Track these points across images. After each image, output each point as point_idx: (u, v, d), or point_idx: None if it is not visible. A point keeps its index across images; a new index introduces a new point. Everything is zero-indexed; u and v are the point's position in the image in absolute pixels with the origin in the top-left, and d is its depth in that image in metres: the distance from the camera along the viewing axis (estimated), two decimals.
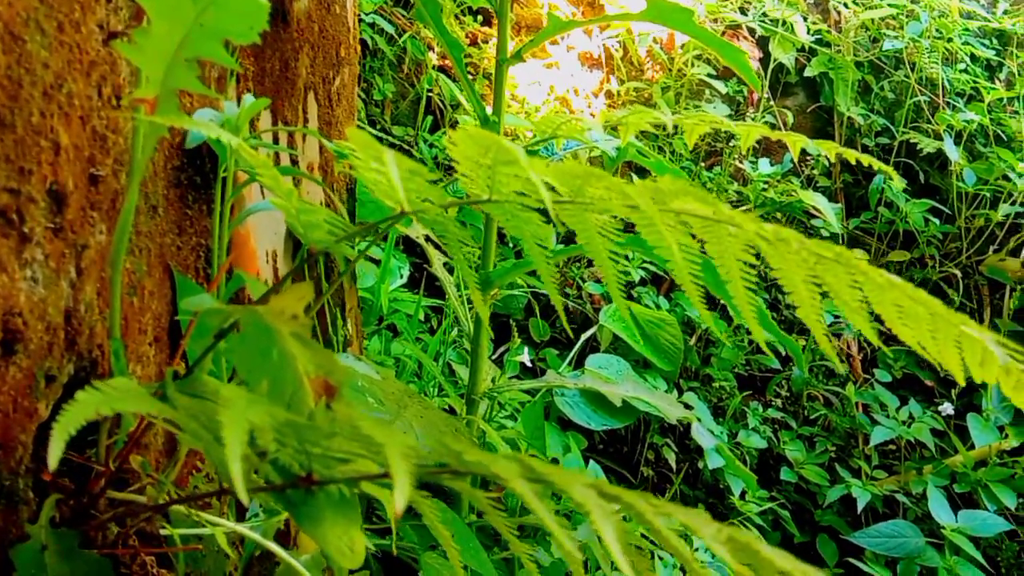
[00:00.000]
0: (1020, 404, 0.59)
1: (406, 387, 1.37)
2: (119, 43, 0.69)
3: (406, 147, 2.40)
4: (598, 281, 2.66)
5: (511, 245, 2.54)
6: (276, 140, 1.29)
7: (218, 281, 0.82)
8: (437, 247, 1.71)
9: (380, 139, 2.49)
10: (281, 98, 1.30)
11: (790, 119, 2.95)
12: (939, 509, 2.45)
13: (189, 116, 0.82)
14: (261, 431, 0.56)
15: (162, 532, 0.81)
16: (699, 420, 2.41)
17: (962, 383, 0.60)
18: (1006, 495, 2.53)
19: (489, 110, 1.47)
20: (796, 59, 2.91)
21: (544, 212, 0.66)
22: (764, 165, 2.74)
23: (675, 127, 2.81)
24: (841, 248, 0.54)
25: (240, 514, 0.97)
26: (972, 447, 2.58)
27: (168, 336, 0.90)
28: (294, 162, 1.38)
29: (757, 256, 0.67)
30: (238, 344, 0.60)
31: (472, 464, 0.47)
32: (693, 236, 0.67)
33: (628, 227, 0.73)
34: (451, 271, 1.76)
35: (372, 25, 2.44)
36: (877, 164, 0.82)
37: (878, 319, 0.65)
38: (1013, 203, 2.74)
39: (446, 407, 1.96)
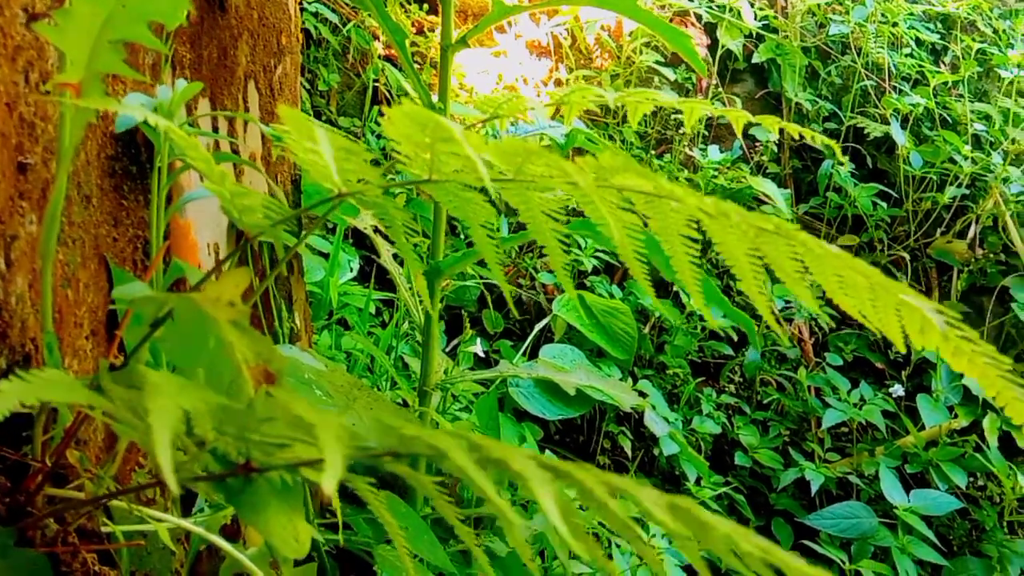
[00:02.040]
0: (959, 369, 0.59)
1: (355, 379, 1.35)
2: (41, 25, 0.66)
3: (353, 138, 2.37)
4: (551, 271, 2.66)
5: (463, 237, 2.53)
6: (215, 128, 1.27)
7: (153, 270, 0.79)
8: (386, 238, 1.69)
9: None
10: (220, 87, 1.27)
11: (739, 106, 2.97)
12: (891, 489, 2.49)
13: (119, 101, 0.80)
14: (198, 418, 0.54)
15: (105, 529, 0.79)
16: (653, 408, 2.42)
17: (902, 349, 0.60)
18: (956, 474, 2.57)
19: (436, 98, 1.46)
20: (744, 46, 2.92)
21: (488, 192, 0.65)
22: (714, 152, 2.76)
23: (625, 116, 2.81)
24: (780, 220, 0.53)
25: (187, 509, 0.95)
26: (923, 428, 2.62)
27: (106, 329, 0.88)
28: (235, 151, 1.35)
29: (702, 233, 0.67)
30: (173, 333, 0.58)
31: (411, 440, 0.46)
32: (636, 214, 0.66)
33: (579, 213, 0.73)
34: (401, 263, 1.74)
35: (316, 14, 2.41)
36: (820, 139, 0.82)
37: (830, 303, 0.65)
38: (959, 186, 2.79)
39: (399, 400, 1.95)
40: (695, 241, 0.67)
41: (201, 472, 0.58)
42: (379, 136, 2.44)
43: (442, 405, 1.78)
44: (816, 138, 0.81)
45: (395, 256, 1.71)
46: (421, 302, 1.63)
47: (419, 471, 0.66)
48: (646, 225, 0.64)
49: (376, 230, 1.72)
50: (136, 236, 0.96)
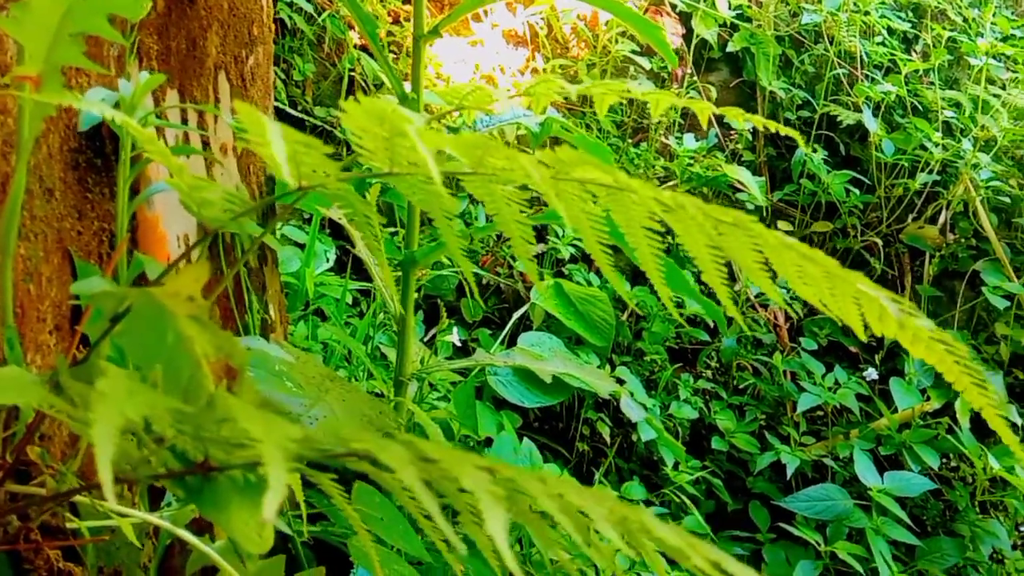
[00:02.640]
0: (918, 356, 0.60)
1: (328, 370, 1.35)
2: None
3: (329, 127, 2.36)
4: (530, 260, 2.66)
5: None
6: (185, 120, 1.26)
7: (114, 263, 0.79)
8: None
9: (302, 121, 2.44)
10: (189, 78, 1.26)
11: (714, 94, 2.98)
12: (865, 471, 2.51)
13: (80, 95, 0.79)
14: (157, 418, 0.54)
15: (70, 526, 0.79)
16: (631, 394, 2.43)
17: (863, 337, 0.60)
18: (929, 455, 2.60)
19: (409, 87, 1.45)
20: (719, 35, 2.93)
21: (455, 183, 0.65)
22: (689, 140, 2.76)
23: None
24: (738, 212, 0.54)
25: (156, 504, 0.95)
26: (896, 411, 2.65)
27: (70, 324, 0.87)
28: (206, 144, 1.35)
29: (665, 226, 0.67)
30: (130, 327, 0.58)
31: (360, 451, 0.46)
32: (599, 206, 0.67)
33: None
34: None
35: (290, 4, 2.39)
36: (783, 128, 0.82)
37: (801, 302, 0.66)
38: (930, 172, 2.81)
39: (377, 391, 1.94)
40: (658, 233, 0.67)
41: (161, 470, 0.58)
42: None
43: (419, 395, 1.79)
44: (781, 129, 0.82)
45: (369, 247, 1.71)
46: (398, 290, 1.63)
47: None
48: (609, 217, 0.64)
49: (351, 220, 1.72)
50: (101, 229, 0.95)
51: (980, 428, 2.72)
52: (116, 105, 0.82)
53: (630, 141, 2.85)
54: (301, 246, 2.19)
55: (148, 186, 1.02)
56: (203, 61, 1.32)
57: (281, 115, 2.31)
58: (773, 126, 0.82)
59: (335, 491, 0.61)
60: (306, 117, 2.37)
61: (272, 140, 0.46)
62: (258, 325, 1.21)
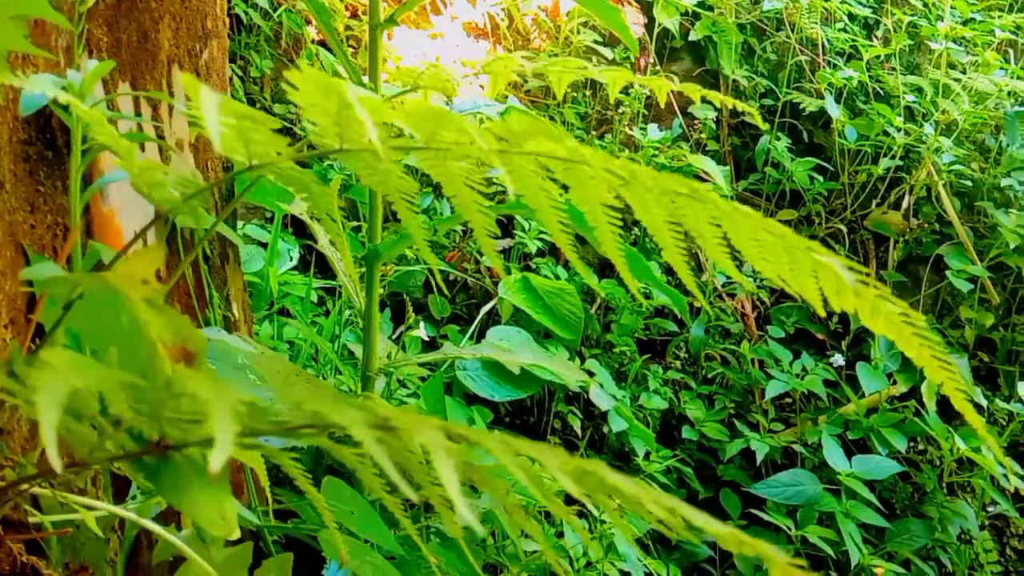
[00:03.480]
0: (876, 329, 0.60)
1: (294, 366, 1.34)
2: None
3: (288, 124, 2.34)
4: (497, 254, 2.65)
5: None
6: (138, 113, 1.24)
7: (66, 252, 0.78)
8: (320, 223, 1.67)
9: None
10: (141, 71, 1.25)
11: (676, 84, 2.98)
12: (834, 456, 2.54)
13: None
14: (110, 396, 0.53)
15: (34, 520, 0.77)
16: (601, 385, 2.44)
17: (821, 313, 0.61)
18: (897, 439, 2.63)
19: (367, 79, 1.44)
20: (680, 24, 2.94)
21: (419, 174, 0.64)
22: (653, 131, 2.77)
23: (566, 96, 2.82)
24: (695, 182, 0.54)
25: (121, 496, 0.94)
26: (863, 395, 2.67)
27: (25, 318, 0.86)
28: (161, 138, 1.33)
29: (625, 203, 0.67)
30: (84, 312, 0.57)
31: (311, 413, 0.45)
32: (556, 182, 0.66)
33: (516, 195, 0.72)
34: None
35: (246, 0, 2.37)
36: (740, 105, 0.83)
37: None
38: (893, 157, 2.84)
39: (346, 388, 1.93)
40: (617, 210, 0.67)
41: (119, 452, 0.57)
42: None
43: (387, 391, 1.78)
44: (738, 105, 0.82)
45: (332, 243, 1.69)
46: (362, 286, 1.62)
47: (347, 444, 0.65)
48: (566, 190, 0.64)
49: (312, 216, 1.71)
50: (55, 223, 0.94)
51: (947, 411, 2.75)
52: (64, 91, 0.80)
53: (594, 133, 2.85)
54: (264, 245, 2.17)
55: (101, 178, 1.00)
56: (155, 54, 1.30)
57: None
58: (730, 102, 0.82)
59: (297, 472, 0.61)
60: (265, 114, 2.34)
61: (204, 109, 0.45)
62: (220, 322, 1.19)
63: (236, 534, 0.77)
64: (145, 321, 0.59)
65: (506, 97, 2.45)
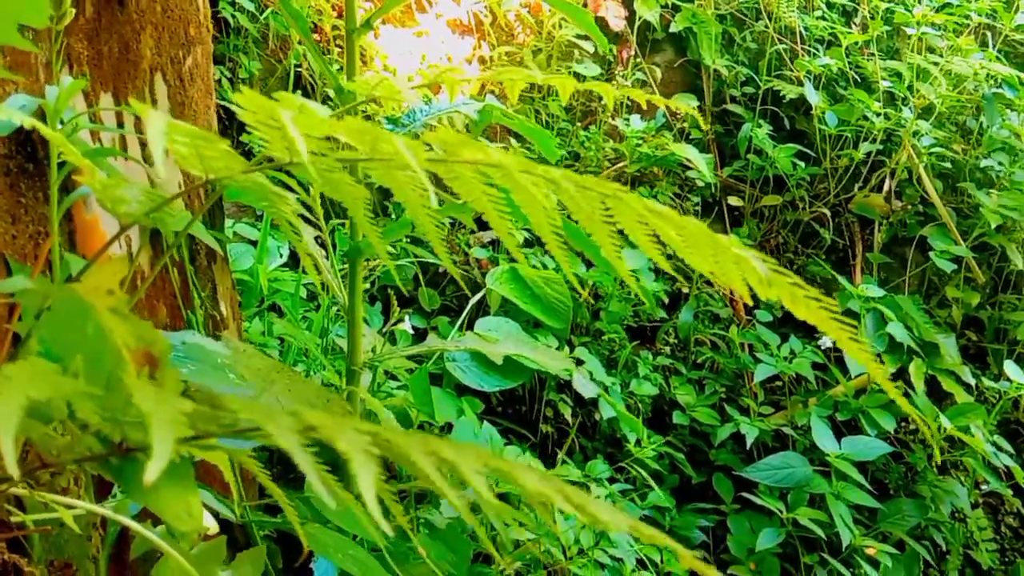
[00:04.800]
0: (799, 315, 0.64)
1: (275, 363, 1.37)
2: None
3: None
4: (484, 246, 2.70)
5: (393, 216, 2.55)
6: (120, 124, 1.28)
7: (41, 263, 0.82)
8: (308, 222, 1.71)
9: None
10: (123, 81, 1.28)
11: (659, 75, 3.02)
12: (823, 438, 2.57)
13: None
14: (78, 404, 0.57)
15: (16, 519, 0.82)
16: (590, 373, 2.48)
17: (749, 302, 0.64)
18: (886, 419, 2.66)
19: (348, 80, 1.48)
20: (661, 16, 2.97)
21: (366, 174, 0.67)
22: (636, 121, 2.81)
23: (551, 89, 2.85)
24: (617, 185, 0.57)
25: (104, 495, 0.98)
26: (851, 378, 2.71)
27: (4, 329, 0.90)
28: (144, 145, 1.37)
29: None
30: (51, 322, 0.61)
31: (244, 422, 0.49)
32: (496, 187, 0.70)
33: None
34: (324, 246, 1.77)
35: (232, 3, 2.40)
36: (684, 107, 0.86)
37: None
38: (873, 141, 2.87)
39: (332, 383, 1.97)
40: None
41: (87, 454, 0.61)
42: None
43: (374, 385, 1.82)
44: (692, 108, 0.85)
45: (317, 239, 1.73)
46: (344, 281, 1.65)
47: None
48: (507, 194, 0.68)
49: (299, 215, 1.74)
50: (37, 233, 0.98)
51: (936, 392, 2.79)
52: (40, 110, 0.84)
53: (579, 124, 2.89)
54: (254, 243, 2.21)
55: (80, 188, 1.04)
56: (137, 64, 1.34)
57: (228, 114, 2.32)
58: (683, 109, 0.85)
59: (257, 469, 0.64)
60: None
61: (149, 134, 0.49)
62: (202, 322, 1.23)
63: (208, 529, 0.81)
64: (110, 329, 0.63)
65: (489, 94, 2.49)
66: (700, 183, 2.91)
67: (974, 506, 2.89)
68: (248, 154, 2.54)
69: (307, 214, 1.63)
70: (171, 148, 0.61)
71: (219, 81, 2.47)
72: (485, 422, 2.20)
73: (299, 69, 2.53)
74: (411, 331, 2.08)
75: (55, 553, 0.87)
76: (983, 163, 2.76)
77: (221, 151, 0.59)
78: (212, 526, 0.86)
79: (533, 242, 2.73)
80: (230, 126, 2.41)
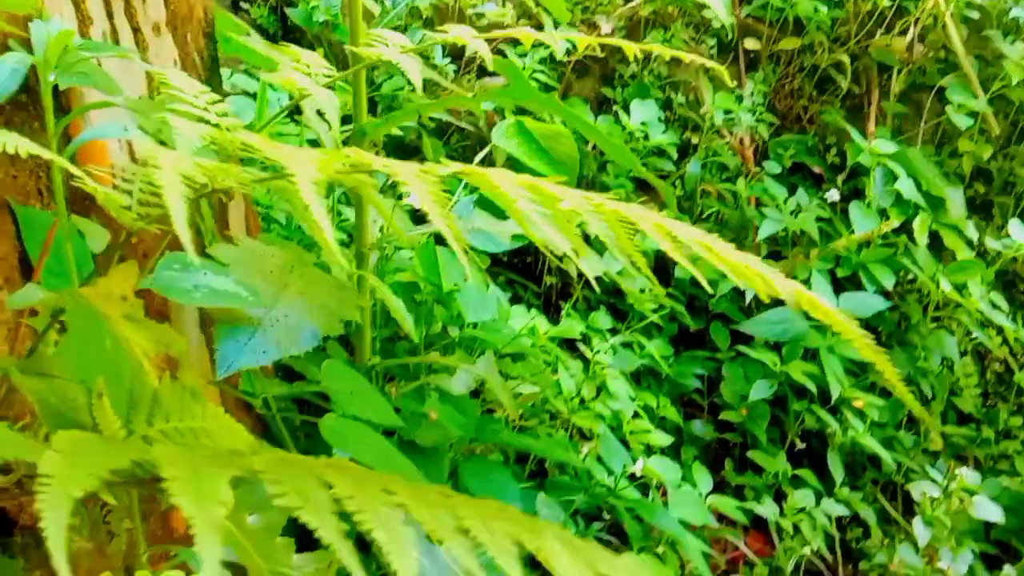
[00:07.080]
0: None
1: (290, 256, 1.36)
2: None
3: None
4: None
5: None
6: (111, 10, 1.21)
7: (41, 263, 0.79)
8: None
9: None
10: None
11: None
12: (822, 294, 2.59)
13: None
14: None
15: None
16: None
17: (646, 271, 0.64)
18: (885, 275, 2.67)
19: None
20: None
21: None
22: None
23: None
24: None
25: None
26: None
27: (20, 275, 0.88)
28: (136, 28, 1.30)
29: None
30: (68, 343, 0.60)
31: (147, 464, 0.49)
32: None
33: None
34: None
35: None
36: None
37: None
38: None
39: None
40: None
41: None
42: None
43: (381, 265, 1.81)
44: None
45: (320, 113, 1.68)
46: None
47: None
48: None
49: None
50: (36, 166, 0.94)
51: (937, 245, 2.79)
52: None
53: None
54: (253, 96, 2.13)
55: (77, 108, 1.00)
56: None
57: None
58: None
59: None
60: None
61: (164, 182, 0.46)
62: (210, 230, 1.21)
63: None
64: (127, 338, 0.62)
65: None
66: (716, 24, 2.79)
67: (963, 354, 2.93)
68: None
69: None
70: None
71: None
72: (491, 284, 2.20)
73: None
74: (417, 205, 2.04)
75: None
76: (1013, 12, 2.64)
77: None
78: None
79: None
80: None
